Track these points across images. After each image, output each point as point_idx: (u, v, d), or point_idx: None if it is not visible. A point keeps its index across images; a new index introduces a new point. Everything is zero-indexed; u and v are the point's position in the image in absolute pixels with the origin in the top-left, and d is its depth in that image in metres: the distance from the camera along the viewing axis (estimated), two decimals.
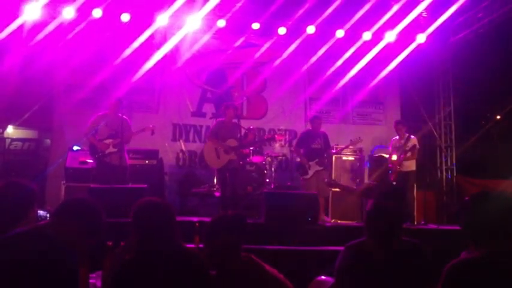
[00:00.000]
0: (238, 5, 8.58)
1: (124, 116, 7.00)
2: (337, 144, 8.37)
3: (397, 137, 7.85)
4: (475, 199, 2.20)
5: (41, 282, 2.07)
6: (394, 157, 7.61)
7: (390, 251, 2.71)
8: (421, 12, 8.81)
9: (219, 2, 8.42)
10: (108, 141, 6.81)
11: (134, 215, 2.60)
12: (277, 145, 8.89)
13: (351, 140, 7.76)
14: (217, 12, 8.83)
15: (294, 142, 8.67)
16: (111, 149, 6.78)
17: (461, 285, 2.00)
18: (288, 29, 9.21)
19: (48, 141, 9.33)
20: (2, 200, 2.57)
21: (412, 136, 7.71)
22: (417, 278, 2.67)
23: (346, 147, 7.93)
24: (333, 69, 9.48)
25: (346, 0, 8.21)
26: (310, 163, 7.45)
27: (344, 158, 8.49)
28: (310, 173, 7.45)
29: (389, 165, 7.79)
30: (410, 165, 7.56)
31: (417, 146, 7.64)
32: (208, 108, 9.61)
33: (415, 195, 7.85)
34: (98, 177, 6.93)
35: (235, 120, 7.33)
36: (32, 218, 2.72)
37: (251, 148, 8.01)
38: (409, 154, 7.46)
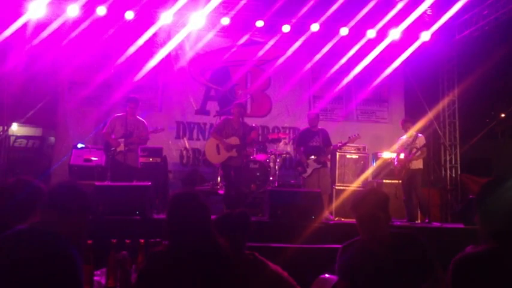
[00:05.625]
0: (242, 2, 8.57)
1: (140, 118, 7.19)
2: (340, 142, 8.35)
3: (405, 136, 7.80)
4: (496, 183, 2.13)
5: (44, 279, 2.07)
6: (402, 155, 7.58)
7: (385, 244, 2.71)
8: (426, 10, 8.78)
9: None
10: (120, 140, 6.95)
11: (171, 205, 2.49)
12: (281, 143, 8.89)
13: (349, 137, 7.72)
14: (221, 10, 8.83)
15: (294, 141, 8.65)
16: (121, 148, 6.87)
17: (471, 278, 1.99)
18: (292, 27, 9.20)
19: (52, 138, 9.37)
20: (11, 197, 2.57)
21: (420, 134, 7.67)
22: (418, 267, 2.67)
23: (344, 144, 7.88)
24: (337, 67, 9.47)
25: None
26: (308, 161, 7.43)
27: (348, 156, 8.47)
28: (309, 171, 7.43)
29: (395, 163, 7.77)
30: (418, 163, 7.52)
31: (425, 145, 7.61)
32: (212, 106, 9.61)
33: (421, 193, 7.79)
34: (109, 174, 7.14)
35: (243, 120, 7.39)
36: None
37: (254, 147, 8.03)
38: (418, 153, 7.43)
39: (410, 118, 8.03)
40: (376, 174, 8.53)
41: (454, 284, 2.03)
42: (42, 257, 2.09)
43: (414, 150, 7.41)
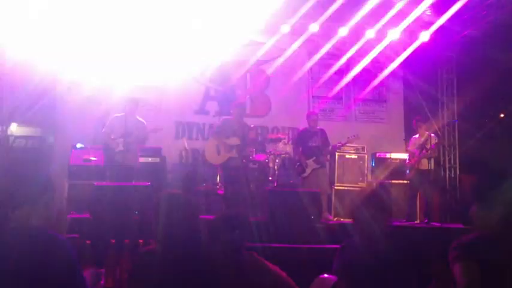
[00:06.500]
0: None
1: (140, 118, 7.19)
2: (340, 143, 8.34)
3: (417, 135, 7.80)
4: (495, 175, 2.19)
5: (40, 278, 2.06)
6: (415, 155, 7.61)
7: (383, 244, 2.72)
8: (425, 10, 8.77)
9: None
10: (119, 140, 6.92)
11: (157, 205, 2.55)
12: (280, 143, 8.89)
13: (348, 138, 7.72)
14: None
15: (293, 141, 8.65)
16: (120, 148, 6.86)
17: (474, 253, 2.02)
18: (291, 27, 9.19)
19: (51, 138, 9.36)
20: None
21: (433, 135, 7.71)
22: (416, 265, 2.68)
23: (343, 144, 7.89)
24: (336, 67, 9.46)
25: None
26: (308, 161, 7.42)
27: (347, 156, 8.48)
28: (308, 171, 7.43)
29: (407, 162, 7.77)
30: (429, 164, 7.55)
31: (436, 145, 7.66)
32: (212, 106, 9.61)
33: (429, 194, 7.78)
34: (108, 174, 7.16)
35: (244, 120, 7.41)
36: None
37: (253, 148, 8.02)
38: (428, 152, 7.46)
39: (423, 118, 8.05)
40: (385, 176, 8.53)
41: (458, 254, 2.05)
42: (35, 256, 2.07)
43: (424, 150, 7.42)
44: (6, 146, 8.81)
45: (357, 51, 9.34)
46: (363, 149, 8.66)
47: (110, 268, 2.88)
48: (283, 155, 8.81)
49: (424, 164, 7.51)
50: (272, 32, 9.41)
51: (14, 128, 9.57)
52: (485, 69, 9.29)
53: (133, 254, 2.74)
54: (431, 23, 9.02)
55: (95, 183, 6.42)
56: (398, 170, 8.39)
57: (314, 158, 7.42)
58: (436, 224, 7.34)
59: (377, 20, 8.90)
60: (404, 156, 8.46)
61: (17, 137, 9.07)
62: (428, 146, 7.43)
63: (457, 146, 9.99)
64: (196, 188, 8.39)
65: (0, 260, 2.04)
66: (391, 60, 9.52)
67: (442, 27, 8.92)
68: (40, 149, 9.04)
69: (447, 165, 9.97)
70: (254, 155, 8.06)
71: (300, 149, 7.62)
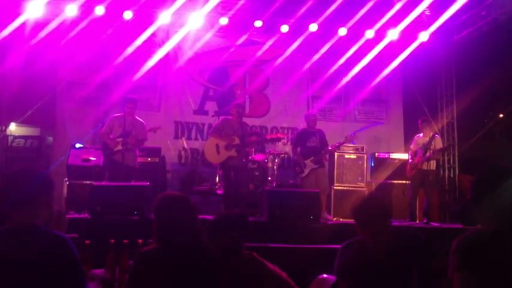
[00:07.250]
0: (241, 2, 8.56)
1: (139, 118, 7.17)
2: (338, 142, 8.33)
3: (421, 134, 7.80)
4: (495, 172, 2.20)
5: (43, 276, 2.06)
6: (417, 154, 7.62)
7: (385, 243, 2.72)
8: (424, 10, 8.79)
9: None
10: (118, 139, 6.91)
11: (156, 206, 2.56)
12: (279, 143, 8.89)
13: (345, 137, 7.71)
14: (220, 10, 8.82)
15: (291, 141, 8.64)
16: (119, 147, 6.86)
17: (475, 257, 2.01)
18: (290, 27, 9.20)
19: (50, 138, 9.36)
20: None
21: (437, 135, 7.69)
22: (417, 265, 2.68)
23: (341, 144, 7.85)
24: (335, 67, 9.46)
25: None
26: (306, 161, 7.42)
27: (346, 156, 8.46)
28: (306, 171, 7.42)
29: (410, 161, 7.76)
30: (431, 164, 7.54)
31: (441, 149, 7.68)
32: (211, 106, 9.60)
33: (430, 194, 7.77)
34: (107, 174, 7.13)
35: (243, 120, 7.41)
36: None
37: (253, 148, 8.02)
38: (433, 155, 7.46)
39: (428, 118, 8.05)
40: (384, 176, 8.52)
41: (458, 262, 2.05)
42: (36, 255, 2.07)
43: (428, 153, 7.41)
44: (5, 146, 8.81)
45: (356, 51, 9.34)
46: (362, 149, 8.64)
47: (110, 268, 2.87)
48: (283, 155, 8.82)
49: (425, 164, 7.52)
50: (271, 32, 9.42)
51: (14, 128, 9.58)
52: (485, 69, 9.31)
53: (133, 254, 2.73)
54: (430, 23, 9.03)
55: (94, 183, 6.42)
56: (397, 170, 8.39)
57: (312, 158, 7.42)
58: (435, 224, 7.34)
59: (376, 20, 8.91)
60: (404, 156, 8.45)
61: (16, 137, 9.07)
62: (432, 148, 7.42)
63: (456, 146, 9.99)
64: (195, 188, 8.39)
65: (2, 259, 2.04)
66: (391, 60, 9.53)
67: (441, 27, 8.93)
68: (39, 149, 9.03)
69: (446, 165, 9.97)
70: (253, 155, 8.05)
71: (298, 149, 7.62)
